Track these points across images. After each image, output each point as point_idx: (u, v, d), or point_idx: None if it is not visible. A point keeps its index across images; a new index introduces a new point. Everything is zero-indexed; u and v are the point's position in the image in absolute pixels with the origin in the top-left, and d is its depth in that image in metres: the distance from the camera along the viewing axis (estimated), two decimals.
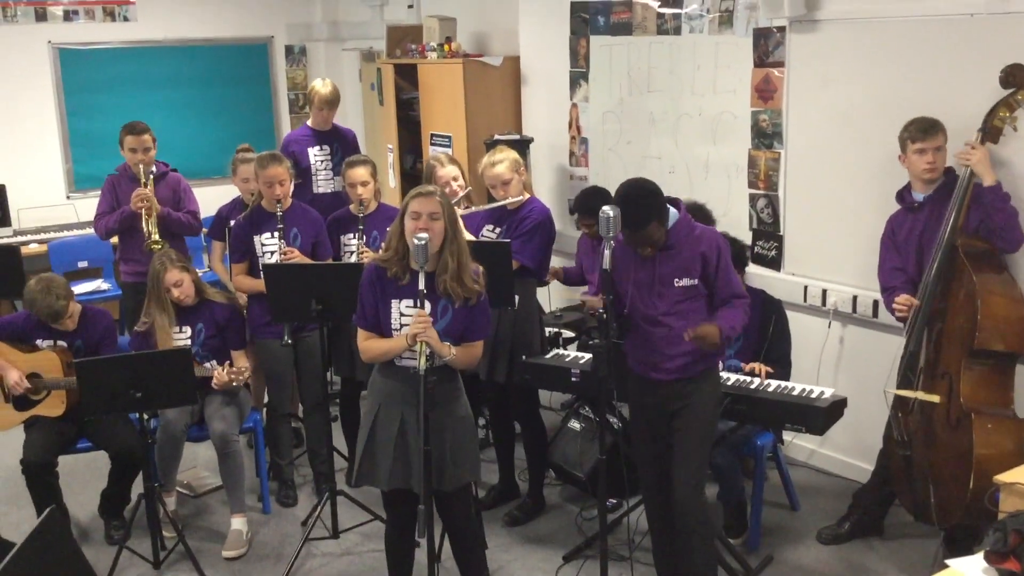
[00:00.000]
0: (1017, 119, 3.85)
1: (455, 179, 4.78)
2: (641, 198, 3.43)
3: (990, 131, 3.85)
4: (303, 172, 5.65)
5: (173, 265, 4.60)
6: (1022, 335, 3.76)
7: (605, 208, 3.27)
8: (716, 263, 3.52)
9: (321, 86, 5.71)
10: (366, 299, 3.50)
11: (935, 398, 3.84)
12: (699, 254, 3.52)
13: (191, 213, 5.49)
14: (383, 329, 3.46)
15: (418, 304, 3.34)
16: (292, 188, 4.82)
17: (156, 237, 5.22)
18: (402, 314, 3.43)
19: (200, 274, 4.96)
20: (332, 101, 5.71)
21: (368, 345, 3.51)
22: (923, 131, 3.96)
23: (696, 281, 3.52)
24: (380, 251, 3.67)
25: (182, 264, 4.66)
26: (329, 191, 5.72)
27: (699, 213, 4.52)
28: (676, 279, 3.51)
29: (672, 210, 3.53)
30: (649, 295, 3.54)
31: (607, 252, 3.29)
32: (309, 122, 5.86)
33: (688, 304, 3.54)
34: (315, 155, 5.73)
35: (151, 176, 5.32)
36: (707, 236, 3.58)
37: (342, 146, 5.78)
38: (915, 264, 4.05)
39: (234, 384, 4.49)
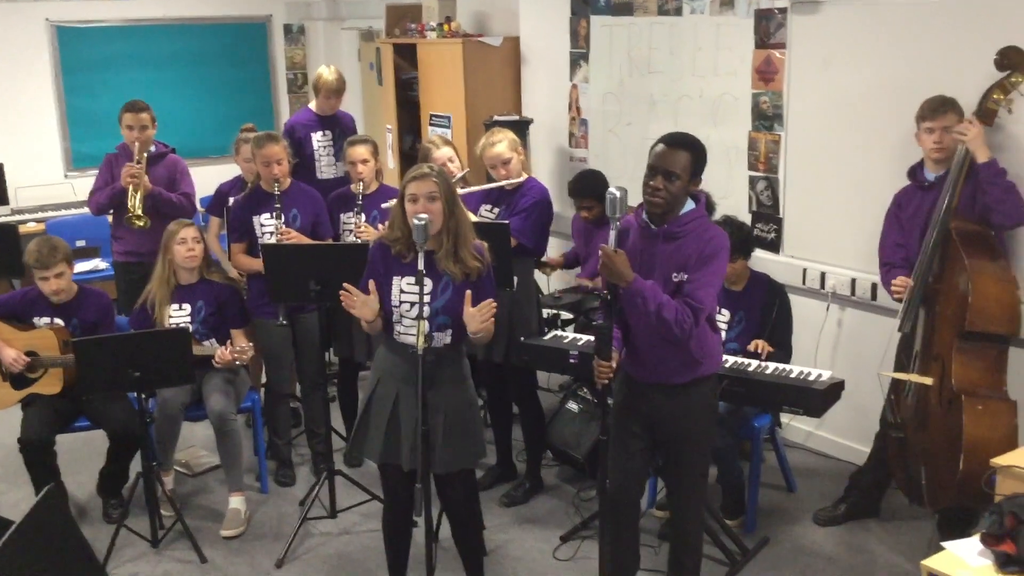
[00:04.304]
0: (1012, 101, 3.83)
1: (451, 160, 4.77)
2: (695, 139, 3.31)
3: (985, 113, 3.83)
4: (307, 157, 5.63)
5: (191, 226, 4.66)
6: (1013, 318, 3.76)
7: (612, 189, 3.24)
8: (701, 255, 3.25)
9: (328, 74, 5.66)
10: (370, 273, 3.47)
11: (928, 380, 3.84)
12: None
13: (184, 195, 5.46)
14: (383, 304, 3.45)
15: (417, 283, 3.32)
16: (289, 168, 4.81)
17: (139, 212, 5.21)
18: (402, 291, 3.41)
19: None
20: (339, 90, 5.68)
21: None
22: (932, 109, 3.93)
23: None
24: (381, 229, 3.64)
25: (200, 233, 4.71)
26: (331, 176, 5.70)
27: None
28: (675, 274, 3.27)
29: (691, 202, 3.33)
30: None
31: (612, 233, 3.25)
32: (312, 106, 5.83)
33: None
34: (318, 140, 5.71)
35: (146, 154, 5.31)
36: (717, 238, 3.31)
37: (343, 130, 5.76)
38: (918, 243, 3.99)
39: (237, 363, 4.49)
